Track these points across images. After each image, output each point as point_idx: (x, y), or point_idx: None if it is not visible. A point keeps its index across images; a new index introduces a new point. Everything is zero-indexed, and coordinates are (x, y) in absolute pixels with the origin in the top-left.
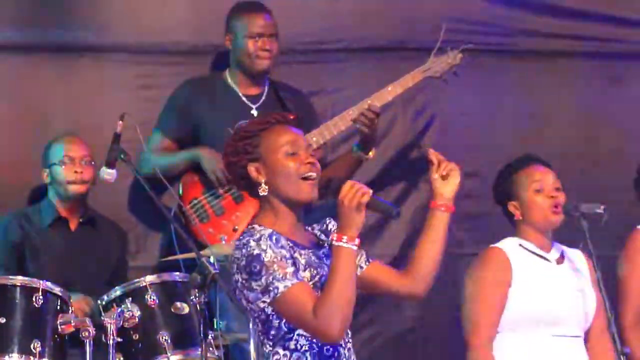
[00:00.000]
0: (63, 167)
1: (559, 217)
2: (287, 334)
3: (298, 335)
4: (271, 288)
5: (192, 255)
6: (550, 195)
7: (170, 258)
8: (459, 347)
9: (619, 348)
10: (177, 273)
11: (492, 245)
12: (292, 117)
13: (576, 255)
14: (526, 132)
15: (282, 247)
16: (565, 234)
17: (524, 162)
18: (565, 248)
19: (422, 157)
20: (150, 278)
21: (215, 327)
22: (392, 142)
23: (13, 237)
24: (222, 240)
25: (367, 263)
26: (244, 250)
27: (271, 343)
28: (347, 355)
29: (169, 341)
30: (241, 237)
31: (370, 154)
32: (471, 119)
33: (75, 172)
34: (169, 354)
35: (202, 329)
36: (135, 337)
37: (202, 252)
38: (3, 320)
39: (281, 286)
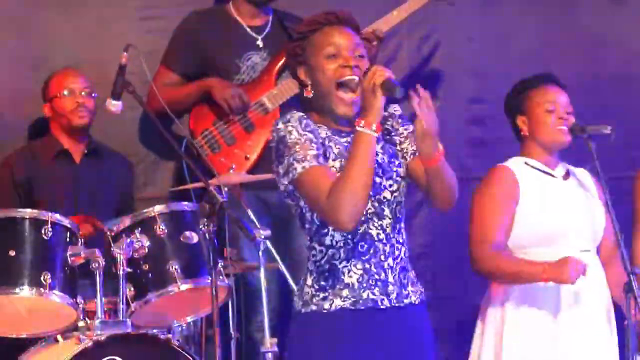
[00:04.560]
0: (64, 98)
1: (566, 139)
2: (320, 229)
3: (333, 230)
4: (290, 169)
5: (201, 184)
6: (561, 117)
7: (179, 188)
8: (469, 272)
9: (628, 268)
10: (186, 203)
11: (500, 164)
12: (345, 15)
13: (582, 173)
14: (531, 56)
15: (310, 130)
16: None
17: (541, 80)
18: (570, 167)
19: (429, 81)
20: (159, 208)
21: (224, 255)
22: (398, 68)
23: (19, 175)
24: (231, 170)
25: (411, 157)
26: (274, 134)
27: (309, 238)
28: (387, 252)
29: (179, 271)
30: (275, 122)
31: None
32: (476, 45)
33: (77, 102)
34: (179, 283)
35: (211, 257)
36: (145, 267)
37: (211, 181)
38: (13, 253)
39: (299, 167)
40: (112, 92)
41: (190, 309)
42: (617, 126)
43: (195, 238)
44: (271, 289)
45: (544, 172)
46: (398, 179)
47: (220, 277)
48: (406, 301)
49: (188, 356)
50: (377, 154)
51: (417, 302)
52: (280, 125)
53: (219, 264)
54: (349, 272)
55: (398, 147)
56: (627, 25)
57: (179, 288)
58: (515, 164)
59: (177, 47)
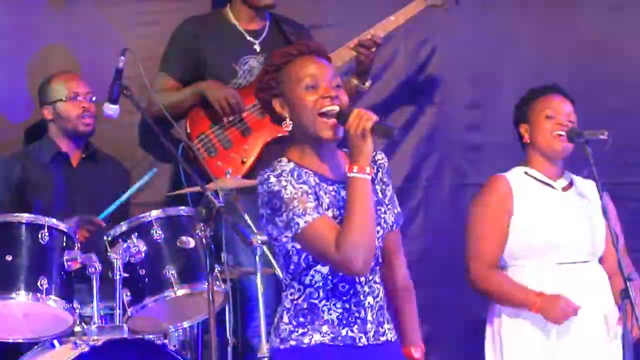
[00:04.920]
0: (69, 102)
1: (562, 145)
2: (304, 270)
3: (315, 271)
4: (292, 224)
5: (197, 189)
6: (560, 122)
7: (176, 192)
8: (462, 278)
9: (624, 274)
10: (182, 207)
11: (498, 174)
12: (316, 46)
13: (587, 185)
14: (528, 63)
15: (303, 182)
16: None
17: (546, 90)
18: (576, 178)
19: (426, 86)
20: (155, 213)
21: (221, 260)
22: (394, 74)
23: (13, 176)
24: (227, 174)
25: (389, 228)
26: (265, 186)
27: (290, 277)
28: (366, 292)
29: (175, 276)
30: (263, 172)
31: (367, 84)
32: (473, 51)
33: (83, 107)
34: (175, 288)
35: (208, 262)
36: (142, 272)
37: (207, 186)
38: (9, 258)
39: (302, 222)
40: (109, 97)
41: (186, 314)
42: (613, 132)
43: (191, 243)
44: (268, 294)
45: (543, 182)
46: (384, 225)
47: (217, 282)
48: (382, 339)
49: None
50: None
51: (392, 340)
52: (273, 179)
53: (216, 269)
54: (329, 311)
55: (382, 199)
56: (624, 32)
57: (175, 293)
58: (514, 173)
59: (174, 52)
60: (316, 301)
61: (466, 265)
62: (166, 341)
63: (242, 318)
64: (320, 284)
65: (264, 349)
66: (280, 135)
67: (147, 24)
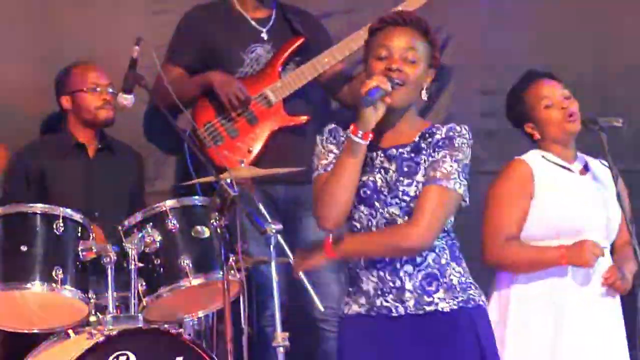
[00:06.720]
0: (90, 94)
1: (575, 125)
2: None
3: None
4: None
5: (210, 179)
6: (561, 106)
7: (188, 182)
8: (477, 265)
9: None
10: (197, 197)
11: (516, 157)
12: (412, 18)
13: (599, 167)
14: (542, 49)
15: (334, 142)
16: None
17: (527, 80)
18: (589, 159)
19: (439, 75)
20: (170, 202)
21: (235, 250)
22: None
23: (30, 167)
24: (241, 164)
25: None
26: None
27: None
28: (405, 259)
29: (190, 265)
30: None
31: None
32: (487, 38)
33: (104, 99)
34: (190, 278)
35: (223, 252)
36: (157, 262)
37: (221, 176)
38: (24, 248)
39: (314, 175)
40: (123, 86)
41: (201, 303)
42: (628, 119)
43: (206, 232)
44: (280, 283)
45: (561, 166)
46: (405, 197)
47: (232, 271)
48: (429, 308)
49: (199, 350)
50: (387, 171)
51: (447, 310)
52: (317, 139)
53: (230, 258)
54: (366, 280)
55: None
56: (637, 17)
57: (190, 283)
58: (533, 156)
59: (181, 41)
60: (358, 270)
61: (483, 245)
62: (181, 330)
63: (257, 307)
64: None
65: (279, 338)
66: (286, 125)
67: (161, 12)
